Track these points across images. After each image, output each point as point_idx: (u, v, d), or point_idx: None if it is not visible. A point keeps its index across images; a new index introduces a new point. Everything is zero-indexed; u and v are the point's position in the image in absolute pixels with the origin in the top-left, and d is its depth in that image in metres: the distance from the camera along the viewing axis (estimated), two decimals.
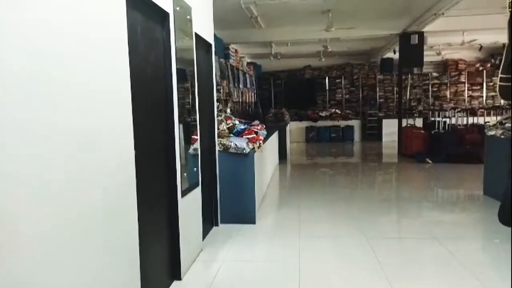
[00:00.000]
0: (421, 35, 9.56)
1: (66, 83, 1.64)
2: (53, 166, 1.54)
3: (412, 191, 6.58)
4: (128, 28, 2.28)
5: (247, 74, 12.46)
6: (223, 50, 9.60)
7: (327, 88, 14.98)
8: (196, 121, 3.66)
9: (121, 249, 2.14)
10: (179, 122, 3.19)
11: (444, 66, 14.93)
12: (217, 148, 4.32)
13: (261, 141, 4.78)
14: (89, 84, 1.83)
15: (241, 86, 11.22)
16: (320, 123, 13.99)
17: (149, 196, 2.68)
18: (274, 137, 8.54)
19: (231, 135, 4.53)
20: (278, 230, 4.55)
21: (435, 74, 15.00)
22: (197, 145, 3.65)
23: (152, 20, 2.82)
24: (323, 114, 14.10)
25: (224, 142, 4.30)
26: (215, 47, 8.84)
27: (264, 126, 5.96)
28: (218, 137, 4.37)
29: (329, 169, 9.06)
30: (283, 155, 9.59)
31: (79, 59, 1.75)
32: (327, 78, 14.98)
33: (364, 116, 14.54)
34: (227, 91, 9.63)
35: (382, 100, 14.93)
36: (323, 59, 13.62)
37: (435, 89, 14.99)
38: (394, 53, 13.50)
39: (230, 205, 4.50)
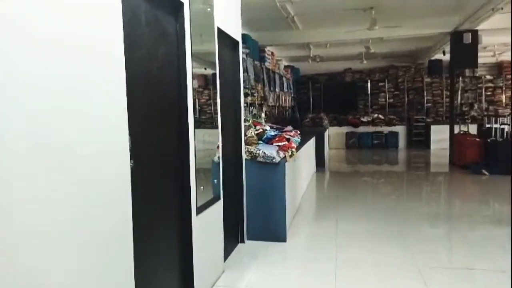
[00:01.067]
0: (475, 33, 8.70)
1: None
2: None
3: (469, 208, 5.82)
4: (126, 17, 1.89)
5: (284, 78, 11.99)
6: (258, 52, 9.20)
7: (369, 92, 14.20)
8: (217, 126, 3.24)
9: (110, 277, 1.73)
10: (195, 127, 2.77)
11: (499, 68, 13.75)
12: (243, 157, 3.88)
13: (293, 149, 4.29)
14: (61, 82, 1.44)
15: (277, 89, 10.77)
16: (362, 129, 13.24)
17: (154, 216, 2.27)
18: (311, 143, 8.00)
19: (260, 142, 4.08)
20: (312, 252, 4.01)
21: (488, 77, 13.85)
22: (218, 153, 3.23)
23: (162, 10, 2.43)
24: (364, 119, 13.34)
25: (252, 150, 3.85)
26: (250, 49, 8.58)
27: (298, 132, 5.46)
28: (246, 144, 3.93)
29: (371, 178, 8.37)
30: (321, 162, 9.01)
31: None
32: (369, 81, 14.21)
33: (410, 122, 13.62)
34: (262, 95, 9.21)
35: (430, 104, 13.93)
36: (365, 61, 12.88)
37: (488, 93, 13.83)
38: (444, 54, 12.60)
39: (258, 220, 4.03)
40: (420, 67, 14.04)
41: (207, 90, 3.63)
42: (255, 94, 8.45)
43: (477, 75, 13.74)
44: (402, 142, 13.11)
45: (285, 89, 12.12)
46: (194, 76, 2.76)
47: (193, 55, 2.72)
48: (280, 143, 4.02)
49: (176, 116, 2.62)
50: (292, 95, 13.40)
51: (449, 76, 9.89)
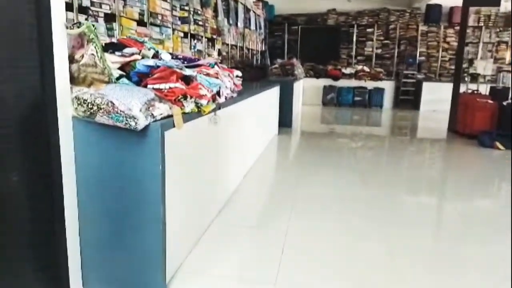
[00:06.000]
0: None
1: None
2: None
3: (470, 198, 3.91)
4: None
5: (252, 12, 9.57)
6: None
7: (354, 39, 11.92)
8: None
9: None
10: None
11: (506, 21, 11.64)
12: (67, 112, 1.73)
13: (202, 100, 2.15)
14: None
15: (240, 25, 8.41)
16: (342, 83, 11.10)
17: None
18: (272, 96, 5.85)
19: (123, 80, 1.92)
20: None
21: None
22: None
23: None
24: (346, 71, 11.16)
25: (85, 97, 1.70)
26: None
27: (237, 75, 3.28)
28: (76, 83, 1.78)
29: (348, 147, 6.37)
30: (286, 121, 6.94)
31: None
32: (355, 26, 11.88)
33: (398, 78, 11.56)
34: (215, 26, 6.87)
35: (423, 58, 11.83)
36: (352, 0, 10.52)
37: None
38: None
39: (107, 260, 1.93)
40: (416, 12, 11.78)
41: None
42: (200, 22, 6.11)
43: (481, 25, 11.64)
44: (388, 100, 11.08)
45: (253, 28, 9.75)
46: None
47: None
48: (161, 85, 1.87)
49: None
50: (263, 36, 11.04)
51: (461, 17, 7.62)
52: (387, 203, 3.54)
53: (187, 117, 2.03)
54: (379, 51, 11.93)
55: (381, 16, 11.85)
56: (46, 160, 1.65)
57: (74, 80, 1.79)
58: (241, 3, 8.51)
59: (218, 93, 2.58)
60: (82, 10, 3.60)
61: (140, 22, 4.49)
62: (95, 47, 1.78)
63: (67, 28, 1.68)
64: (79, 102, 1.72)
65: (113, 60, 2.01)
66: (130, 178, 1.77)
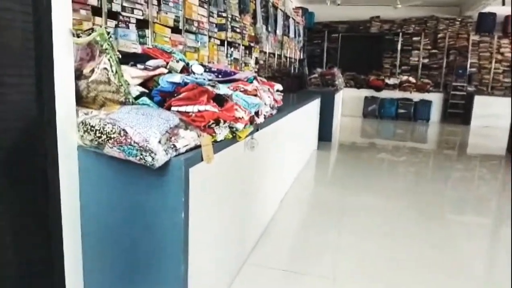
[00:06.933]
0: None
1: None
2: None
3: None
4: None
5: (291, 19, 9.19)
6: None
7: (399, 47, 11.26)
8: None
9: None
10: None
11: None
12: (71, 139, 1.39)
13: (240, 123, 1.77)
14: None
15: (278, 32, 8.04)
16: (385, 94, 10.47)
17: None
18: (312, 108, 5.42)
19: (144, 100, 1.57)
20: None
21: None
22: None
23: None
24: (390, 81, 10.53)
25: (93, 122, 1.36)
26: None
27: (277, 89, 2.88)
28: (84, 103, 1.44)
29: (391, 164, 5.81)
30: (325, 135, 6.48)
31: None
32: (400, 34, 11.23)
33: (447, 90, 10.78)
34: (253, 33, 6.53)
35: (474, 69, 11.01)
36: (399, 6, 9.90)
37: None
38: (503, 3, 9.62)
39: None
40: (467, 21, 10.98)
41: None
42: (237, 29, 5.78)
43: None
44: (435, 114, 10.34)
45: (292, 35, 9.36)
46: None
47: None
48: (189, 108, 1.49)
49: None
50: (302, 44, 10.62)
51: None
52: (445, 243, 3.01)
53: (219, 145, 1.65)
54: (426, 61, 11.21)
55: (429, 24, 11.14)
56: (41, 203, 1.31)
57: (82, 100, 1.45)
58: (281, 9, 8.15)
59: (256, 113, 2.19)
60: (112, 15, 3.33)
61: (175, 29, 4.20)
62: (109, 60, 1.43)
63: (73, 35, 1.34)
64: (85, 129, 1.37)
65: (133, 75, 1.66)
66: (146, 227, 1.40)
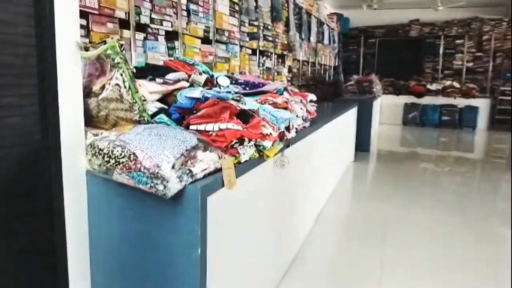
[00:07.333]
0: None
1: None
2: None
3: None
4: None
5: (325, 26, 8.95)
6: None
7: (441, 51, 10.72)
8: None
9: None
10: None
11: None
12: (79, 164, 1.26)
13: (268, 141, 1.58)
14: None
15: (312, 40, 7.82)
16: (427, 100, 9.95)
17: None
18: (349, 118, 5.15)
19: (161, 118, 1.42)
20: None
21: None
22: None
23: None
24: (432, 87, 9.99)
25: (101, 145, 1.22)
26: None
27: (310, 99, 2.68)
28: (95, 123, 1.31)
29: (437, 175, 5.41)
30: (363, 145, 6.17)
31: None
32: (442, 37, 10.69)
33: (494, 95, 10.11)
34: (286, 42, 6.36)
35: None
36: (441, 8, 9.43)
37: None
38: None
39: None
40: None
41: None
42: (270, 38, 5.63)
43: None
44: (482, 120, 9.70)
45: (326, 42, 9.11)
46: None
47: None
48: (209, 126, 1.32)
49: None
50: (337, 51, 10.34)
51: None
52: (505, 264, 2.66)
53: (244, 166, 1.47)
54: (470, 64, 10.59)
55: (473, 26, 10.54)
56: (46, 237, 1.18)
57: (92, 119, 1.32)
58: (315, 16, 7.94)
59: (287, 127, 2.00)
60: (141, 27, 3.27)
61: (205, 40, 4.10)
62: (121, 75, 1.30)
63: (81, 49, 1.22)
64: (93, 152, 1.24)
65: (151, 90, 1.52)
66: (159, 263, 1.23)
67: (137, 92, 1.35)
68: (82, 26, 2.63)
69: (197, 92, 1.42)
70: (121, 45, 1.31)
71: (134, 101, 1.34)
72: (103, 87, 1.29)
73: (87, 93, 1.29)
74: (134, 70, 1.35)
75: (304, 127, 2.55)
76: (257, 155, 1.59)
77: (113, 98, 1.30)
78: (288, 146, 2.06)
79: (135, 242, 1.27)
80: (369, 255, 2.76)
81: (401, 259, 2.73)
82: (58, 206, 1.20)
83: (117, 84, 1.30)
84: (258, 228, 1.87)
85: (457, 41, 10.64)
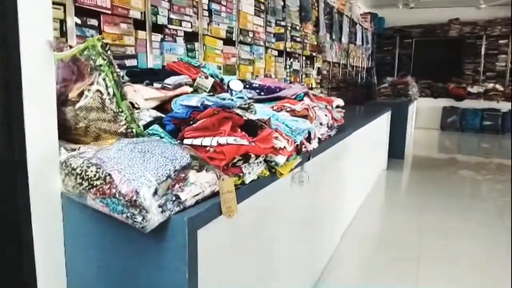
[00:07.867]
0: None
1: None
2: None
3: None
4: None
5: (358, 26, 8.58)
6: None
7: (482, 52, 10.07)
8: None
9: None
10: None
11: None
12: (52, 187, 1.07)
13: (276, 157, 1.35)
14: None
15: (344, 40, 7.49)
16: (467, 104, 9.35)
17: None
18: (382, 123, 4.81)
19: (152, 129, 1.21)
20: None
21: None
22: None
23: None
24: (473, 90, 9.39)
25: (74, 164, 1.03)
26: None
27: (339, 104, 2.42)
28: (71, 135, 1.12)
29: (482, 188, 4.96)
30: (397, 152, 5.79)
31: None
32: (484, 37, 10.04)
33: None
34: (315, 42, 6.08)
35: None
36: (483, 5, 8.83)
37: None
38: None
39: None
40: None
41: None
42: (298, 38, 5.38)
43: None
44: None
45: (359, 42, 8.73)
46: None
47: None
48: (205, 140, 1.11)
49: None
50: (370, 52, 9.92)
51: None
52: None
53: (250, 188, 1.23)
54: None
55: None
56: (11, 274, 0.99)
57: (70, 132, 1.13)
58: (347, 16, 7.60)
59: (308, 137, 1.75)
60: (158, 28, 3.10)
61: (227, 41, 3.90)
62: (104, 79, 1.10)
63: (54, 49, 1.02)
64: (66, 172, 1.04)
65: (147, 96, 1.33)
66: None
67: (124, 99, 1.15)
68: (93, 27, 2.49)
69: (194, 100, 1.20)
70: (105, 44, 1.11)
71: (120, 110, 1.14)
72: (81, 94, 1.10)
73: (63, 101, 1.11)
74: (121, 74, 1.15)
75: (329, 135, 2.29)
76: (267, 172, 1.35)
77: (93, 107, 1.11)
78: (309, 159, 1.81)
79: (115, 278, 1.06)
80: (403, 273, 2.46)
81: (438, 277, 2.42)
82: (25, 236, 1.01)
83: (98, 90, 1.10)
84: (268, 261, 1.62)
85: (501, 41, 9.95)
